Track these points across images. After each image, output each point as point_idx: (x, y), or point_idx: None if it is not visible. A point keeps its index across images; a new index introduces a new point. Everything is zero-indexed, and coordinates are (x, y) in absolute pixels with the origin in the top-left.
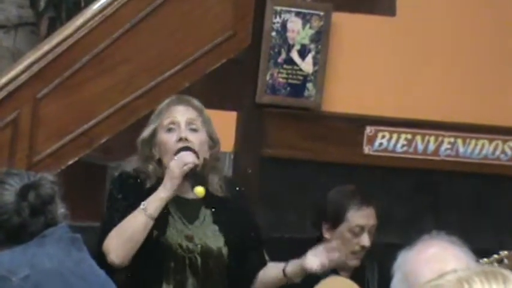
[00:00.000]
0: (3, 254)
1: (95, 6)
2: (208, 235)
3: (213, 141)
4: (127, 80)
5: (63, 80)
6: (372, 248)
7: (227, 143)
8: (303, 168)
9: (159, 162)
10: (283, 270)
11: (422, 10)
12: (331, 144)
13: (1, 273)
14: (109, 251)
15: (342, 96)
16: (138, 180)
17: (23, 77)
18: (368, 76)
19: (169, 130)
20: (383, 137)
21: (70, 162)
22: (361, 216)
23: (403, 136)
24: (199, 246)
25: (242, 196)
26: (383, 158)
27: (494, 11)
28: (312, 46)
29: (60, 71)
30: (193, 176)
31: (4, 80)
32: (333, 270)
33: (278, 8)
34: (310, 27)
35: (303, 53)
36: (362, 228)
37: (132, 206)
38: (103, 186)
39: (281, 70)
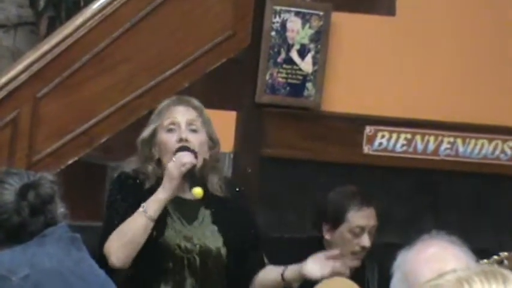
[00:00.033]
0: (3, 253)
1: (95, 6)
2: (207, 235)
3: (212, 142)
4: (127, 79)
5: (63, 80)
6: (372, 248)
7: (227, 142)
8: (302, 168)
9: (159, 162)
10: (282, 275)
11: (422, 10)
12: (330, 144)
13: (1, 272)
14: (110, 253)
15: (342, 96)
16: (137, 181)
17: (23, 77)
18: (368, 76)
19: (170, 130)
20: (383, 136)
21: (70, 162)
22: (361, 217)
23: (402, 136)
24: (197, 246)
25: (242, 196)
26: (383, 158)
27: (494, 12)
28: (312, 46)
29: (60, 70)
30: (191, 177)
31: (4, 79)
32: None
33: (278, 8)
34: (310, 27)
35: (302, 53)
36: (362, 229)
37: (132, 207)
38: (103, 186)
39: (281, 70)
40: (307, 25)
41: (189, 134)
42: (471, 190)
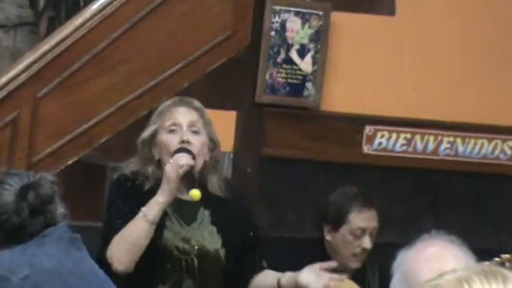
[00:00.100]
0: (3, 254)
1: (95, 6)
2: (206, 237)
3: (213, 143)
4: (127, 80)
5: (63, 80)
6: (373, 249)
7: (227, 142)
8: (302, 168)
9: (159, 163)
10: (278, 282)
11: (422, 10)
12: (330, 144)
13: (1, 273)
14: (113, 260)
15: (341, 96)
16: (137, 183)
17: (23, 77)
18: (367, 76)
19: (171, 131)
20: (382, 136)
21: (69, 162)
22: (362, 219)
23: (402, 135)
24: (196, 248)
25: (242, 196)
26: (382, 158)
27: (495, 12)
28: (311, 46)
29: (59, 70)
30: (189, 178)
31: (4, 79)
32: (334, 270)
33: (277, 8)
34: (310, 27)
35: (302, 53)
36: (363, 231)
37: (131, 210)
38: (102, 186)
39: (280, 70)
40: (307, 25)
41: (190, 135)
42: (471, 190)
